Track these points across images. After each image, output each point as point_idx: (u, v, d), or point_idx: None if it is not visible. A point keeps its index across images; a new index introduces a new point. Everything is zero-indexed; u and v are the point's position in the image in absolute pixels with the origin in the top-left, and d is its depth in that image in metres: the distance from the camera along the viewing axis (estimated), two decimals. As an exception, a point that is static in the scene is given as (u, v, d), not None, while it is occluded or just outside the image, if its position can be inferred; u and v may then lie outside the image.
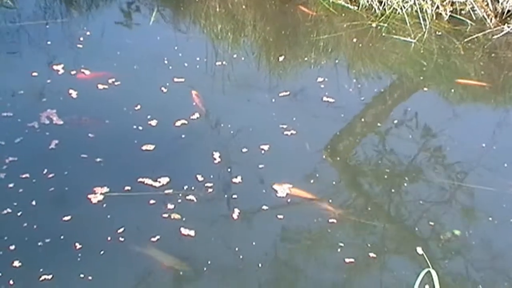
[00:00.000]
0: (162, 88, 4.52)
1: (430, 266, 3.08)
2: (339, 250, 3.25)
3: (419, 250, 3.27)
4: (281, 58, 5.15)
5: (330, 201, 3.58)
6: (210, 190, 3.59)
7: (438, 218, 3.53)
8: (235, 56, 5.26)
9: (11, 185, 3.50)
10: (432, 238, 3.39)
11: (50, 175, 3.59)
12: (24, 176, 3.57)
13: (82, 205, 3.40)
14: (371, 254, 3.25)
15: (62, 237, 3.20)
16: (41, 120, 4.05)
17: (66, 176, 3.60)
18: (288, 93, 4.61)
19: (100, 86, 4.49)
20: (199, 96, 4.39)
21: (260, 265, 3.14)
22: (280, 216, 3.43)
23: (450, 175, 3.89)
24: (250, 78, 4.91)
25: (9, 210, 3.33)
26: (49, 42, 5.15)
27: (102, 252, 3.13)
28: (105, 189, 3.50)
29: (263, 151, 3.93)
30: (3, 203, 3.37)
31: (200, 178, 3.65)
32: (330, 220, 3.43)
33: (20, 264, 3.03)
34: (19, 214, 3.32)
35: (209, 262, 3.12)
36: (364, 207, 3.64)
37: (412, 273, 3.08)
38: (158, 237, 3.23)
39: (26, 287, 2.96)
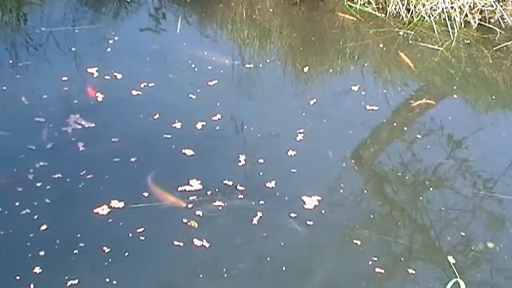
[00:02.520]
0: (190, 93, 4.54)
1: (458, 276, 3.05)
2: (370, 262, 3.23)
3: (450, 260, 3.24)
4: (306, 69, 5.11)
5: (357, 208, 3.57)
6: (240, 195, 3.60)
7: (469, 229, 3.49)
8: (261, 62, 5.25)
9: (38, 184, 3.56)
10: (463, 249, 3.35)
11: (83, 178, 3.63)
12: (56, 176, 3.63)
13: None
14: (401, 264, 3.23)
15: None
16: (72, 124, 4.09)
17: (95, 180, 3.64)
18: (314, 100, 4.59)
19: (132, 92, 4.52)
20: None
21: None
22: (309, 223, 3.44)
23: (480, 185, 3.84)
24: (276, 85, 4.90)
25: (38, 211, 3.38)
26: (78, 48, 5.18)
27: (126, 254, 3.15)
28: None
29: (290, 157, 3.94)
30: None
31: (229, 182, 3.67)
32: (357, 229, 3.41)
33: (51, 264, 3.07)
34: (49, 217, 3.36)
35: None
36: (392, 215, 3.63)
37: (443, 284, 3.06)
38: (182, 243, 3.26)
39: None
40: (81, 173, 3.65)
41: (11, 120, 4.20)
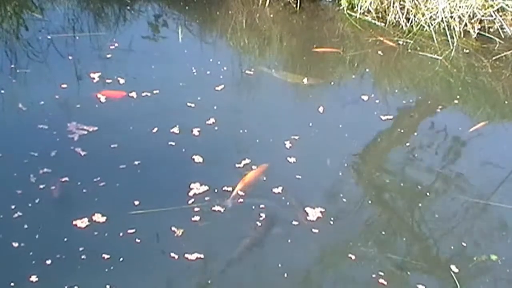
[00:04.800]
0: (191, 100, 4.54)
1: (458, 285, 3.05)
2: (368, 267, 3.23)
3: (451, 270, 3.24)
4: (306, 77, 5.07)
5: (356, 218, 3.58)
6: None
7: (471, 239, 3.49)
8: (262, 70, 5.26)
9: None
10: (465, 260, 3.34)
11: (89, 184, 3.62)
12: (63, 179, 3.63)
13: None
14: (402, 273, 3.23)
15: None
16: (73, 131, 4.08)
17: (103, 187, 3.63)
18: (313, 108, 4.59)
19: (131, 98, 4.52)
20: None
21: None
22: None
23: (480, 194, 3.84)
24: (278, 92, 4.91)
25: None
26: (78, 55, 5.17)
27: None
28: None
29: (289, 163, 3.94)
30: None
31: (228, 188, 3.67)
32: (359, 238, 3.41)
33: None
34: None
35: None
36: (390, 225, 3.62)
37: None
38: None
39: None
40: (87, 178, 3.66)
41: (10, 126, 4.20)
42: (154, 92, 4.59)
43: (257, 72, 5.06)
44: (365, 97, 4.81)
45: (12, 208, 3.38)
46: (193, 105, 4.48)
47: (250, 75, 5.07)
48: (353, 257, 3.27)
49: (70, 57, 5.12)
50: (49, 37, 5.48)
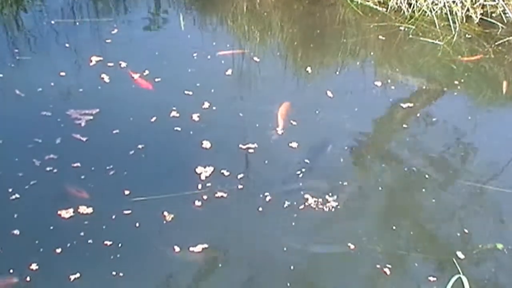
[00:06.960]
0: (188, 88, 4.52)
1: (461, 272, 3.06)
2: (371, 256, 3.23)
3: (455, 257, 3.24)
4: (308, 64, 5.05)
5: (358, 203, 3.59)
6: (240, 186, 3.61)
7: (473, 227, 3.49)
8: (263, 57, 5.23)
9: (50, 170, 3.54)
10: (468, 246, 3.34)
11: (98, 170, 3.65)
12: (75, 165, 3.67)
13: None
14: (404, 260, 3.23)
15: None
16: (75, 116, 4.08)
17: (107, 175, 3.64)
18: (315, 94, 4.59)
19: (131, 84, 4.53)
20: None
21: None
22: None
23: (483, 179, 3.83)
24: (275, 81, 4.89)
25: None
26: (78, 41, 5.16)
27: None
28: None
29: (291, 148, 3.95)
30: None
31: (225, 173, 3.68)
32: (359, 223, 3.41)
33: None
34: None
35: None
36: (394, 210, 3.62)
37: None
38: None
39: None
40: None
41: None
42: (157, 78, 4.59)
43: (391, 79, 4.97)
44: (364, 84, 4.80)
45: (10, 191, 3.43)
46: (196, 90, 4.48)
47: (252, 62, 5.05)
48: (352, 246, 3.27)
49: (69, 43, 5.09)
50: (49, 22, 5.46)
